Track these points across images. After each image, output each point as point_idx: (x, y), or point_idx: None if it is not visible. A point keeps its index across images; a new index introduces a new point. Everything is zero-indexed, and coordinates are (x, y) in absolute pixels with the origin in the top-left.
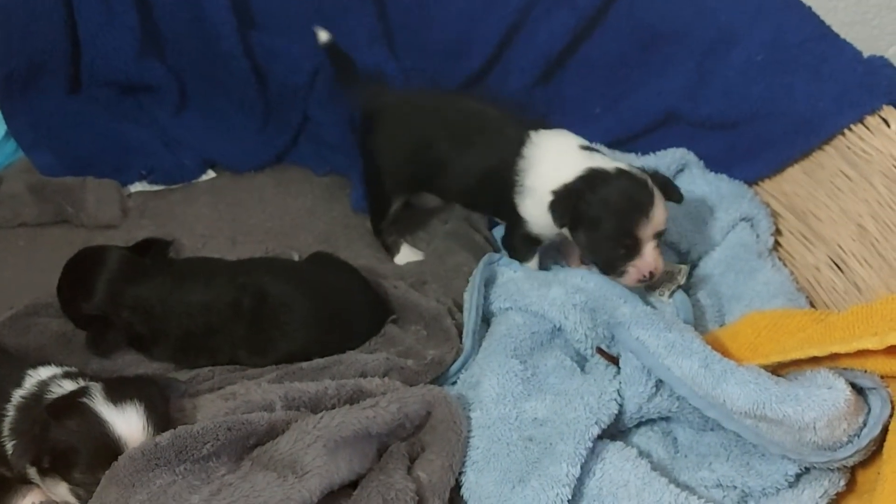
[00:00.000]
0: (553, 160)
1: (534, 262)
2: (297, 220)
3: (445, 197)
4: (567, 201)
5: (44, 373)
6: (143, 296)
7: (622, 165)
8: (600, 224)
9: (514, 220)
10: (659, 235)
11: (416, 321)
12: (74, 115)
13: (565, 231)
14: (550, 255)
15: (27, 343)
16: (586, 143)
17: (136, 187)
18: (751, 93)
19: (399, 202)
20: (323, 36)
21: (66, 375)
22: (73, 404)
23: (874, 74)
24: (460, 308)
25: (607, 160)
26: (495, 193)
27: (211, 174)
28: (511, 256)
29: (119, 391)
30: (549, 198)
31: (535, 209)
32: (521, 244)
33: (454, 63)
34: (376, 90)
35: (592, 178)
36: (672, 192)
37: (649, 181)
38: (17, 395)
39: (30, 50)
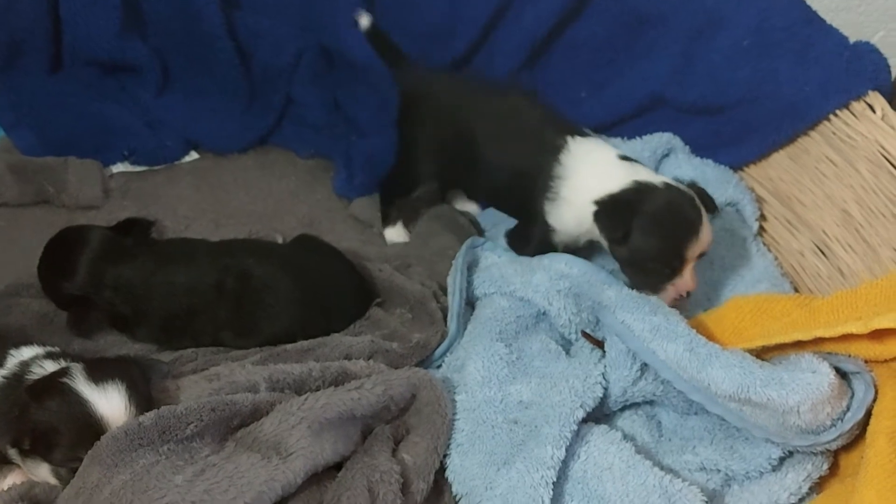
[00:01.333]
0: (594, 170)
1: None
2: (281, 203)
3: (471, 192)
4: (620, 213)
5: (26, 353)
6: (126, 276)
7: (668, 180)
8: (649, 242)
9: (538, 225)
10: (702, 255)
11: (400, 304)
12: (56, 95)
13: (601, 242)
14: None
15: (8, 323)
16: (624, 153)
17: (119, 168)
18: (737, 78)
19: (423, 188)
20: (364, 21)
21: (49, 356)
22: (54, 385)
23: (860, 60)
24: (445, 291)
25: (651, 173)
26: (525, 196)
27: (194, 155)
28: (517, 253)
29: (100, 371)
30: (592, 208)
31: (569, 218)
32: (535, 249)
33: (439, 45)
34: (422, 73)
35: (643, 192)
36: (709, 204)
37: (696, 198)
38: None
39: (10, 29)
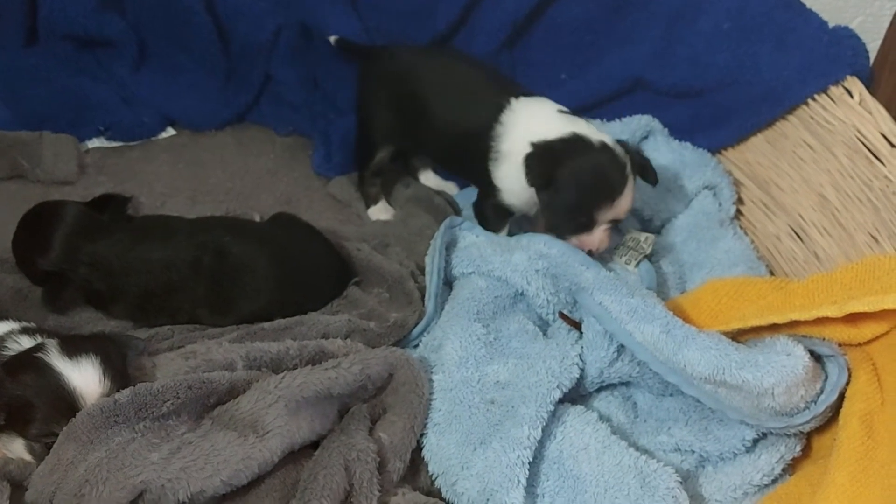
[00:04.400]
0: (531, 124)
1: (503, 234)
2: (258, 181)
3: (424, 152)
4: (546, 160)
5: (1, 328)
6: (101, 252)
7: (606, 139)
8: (565, 194)
9: (487, 189)
10: (616, 222)
11: (378, 284)
12: (31, 69)
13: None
14: (522, 226)
15: None
16: (566, 109)
17: (94, 143)
18: (716, 61)
19: (384, 152)
20: (332, 38)
21: (24, 331)
22: (29, 360)
23: (839, 45)
24: (423, 271)
25: (594, 130)
26: (471, 157)
27: (171, 132)
28: (481, 225)
29: (75, 346)
30: (528, 151)
31: (510, 176)
32: (492, 214)
33: (419, 24)
34: (379, 51)
35: (574, 144)
36: (649, 174)
37: (628, 166)
38: None
39: None
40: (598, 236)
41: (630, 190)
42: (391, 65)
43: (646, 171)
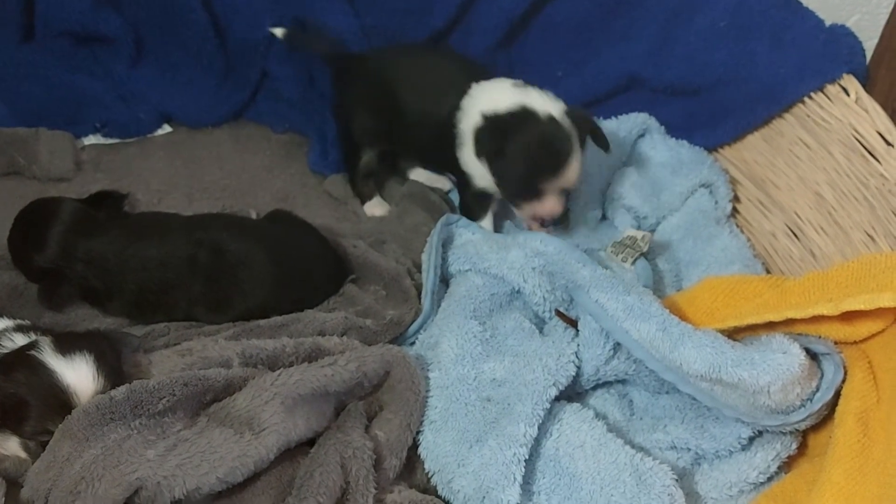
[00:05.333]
0: (484, 101)
1: (487, 221)
2: (255, 178)
3: (405, 152)
4: (492, 132)
5: None
6: (97, 249)
7: (554, 110)
8: (513, 165)
9: (462, 177)
10: (567, 191)
11: (375, 281)
12: (28, 65)
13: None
14: (511, 217)
15: None
16: (522, 83)
17: (90, 140)
18: (713, 59)
19: (368, 155)
20: (278, 32)
21: (18, 329)
22: (22, 358)
23: (835, 43)
24: (419, 268)
25: (543, 101)
26: (442, 148)
27: (167, 129)
28: (465, 216)
29: (69, 344)
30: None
31: (472, 157)
32: (472, 201)
33: (416, 21)
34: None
35: (521, 116)
36: (600, 140)
37: (574, 136)
38: None
39: None
40: (548, 204)
41: (576, 159)
42: (363, 68)
43: (597, 138)
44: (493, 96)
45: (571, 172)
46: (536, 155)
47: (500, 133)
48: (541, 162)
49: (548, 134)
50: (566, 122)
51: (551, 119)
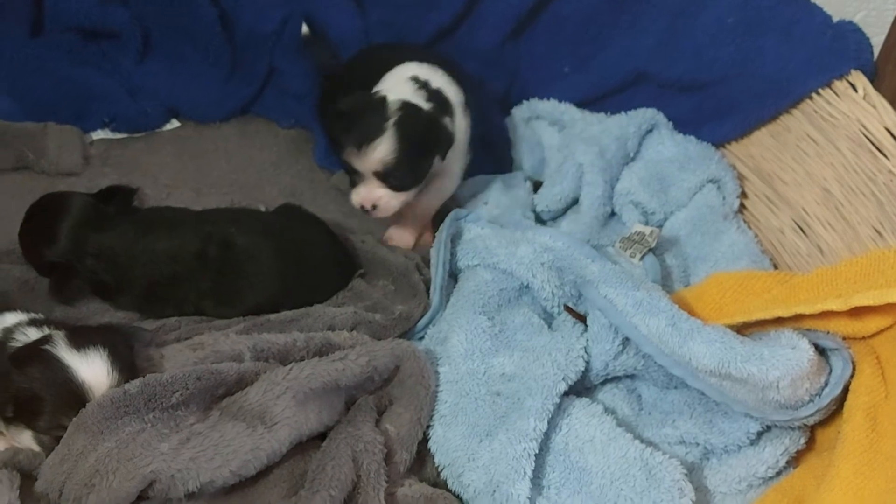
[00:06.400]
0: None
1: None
2: (263, 173)
3: None
4: (334, 114)
5: (9, 319)
6: (108, 244)
7: (393, 96)
8: (339, 142)
9: None
10: (381, 176)
11: (383, 276)
12: (36, 60)
13: None
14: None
15: None
16: (426, 73)
17: (99, 135)
18: (720, 55)
19: None
20: (304, 30)
21: (32, 323)
22: (36, 352)
23: (843, 39)
24: (428, 263)
25: (406, 90)
26: None
27: (175, 123)
28: None
29: (83, 338)
30: None
31: None
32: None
33: (423, 15)
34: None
35: (363, 97)
36: (439, 146)
37: (391, 121)
38: None
39: None
40: (362, 190)
41: (385, 145)
42: (338, 69)
43: (438, 142)
44: (389, 80)
45: (375, 153)
46: (343, 128)
47: (338, 114)
48: (347, 135)
49: (363, 110)
50: (392, 107)
51: (381, 99)
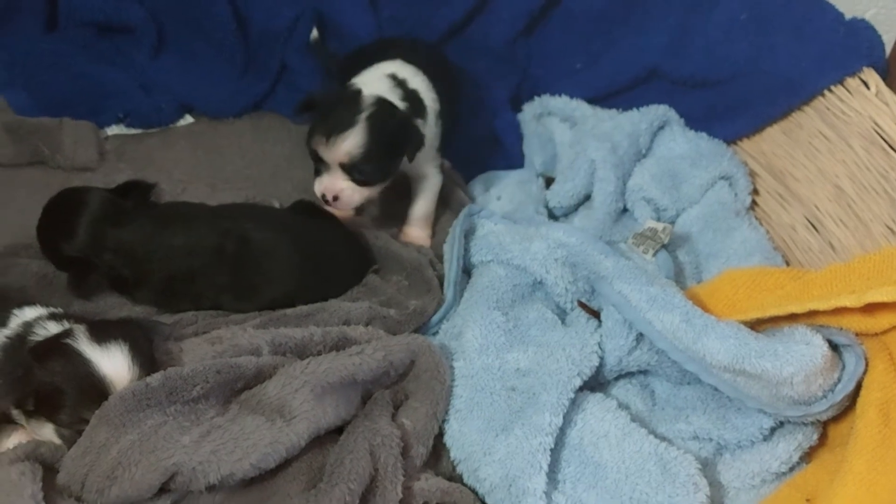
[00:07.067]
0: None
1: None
2: (277, 168)
3: None
4: (306, 101)
5: (29, 313)
6: (126, 238)
7: (368, 92)
8: (309, 131)
9: None
10: (347, 168)
11: (397, 271)
12: (51, 55)
13: None
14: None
15: (7, 283)
16: (405, 72)
17: (113, 130)
18: (733, 52)
19: None
20: (313, 34)
21: (52, 317)
22: (57, 346)
23: (855, 36)
24: (441, 259)
25: (382, 86)
26: None
27: (188, 119)
28: None
29: (103, 332)
30: None
31: None
32: None
33: (434, 12)
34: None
35: (333, 92)
36: (408, 148)
37: (362, 115)
38: (2, 334)
39: None
40: (325, 179)
41: (353, 136)
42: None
43: (408, 142)
44: (367, 75)
45: (344, 145)
46: (319, 120)
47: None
48: (319, 126)
49: (334, 104)
50: (366, 102)
51: (356, 94)
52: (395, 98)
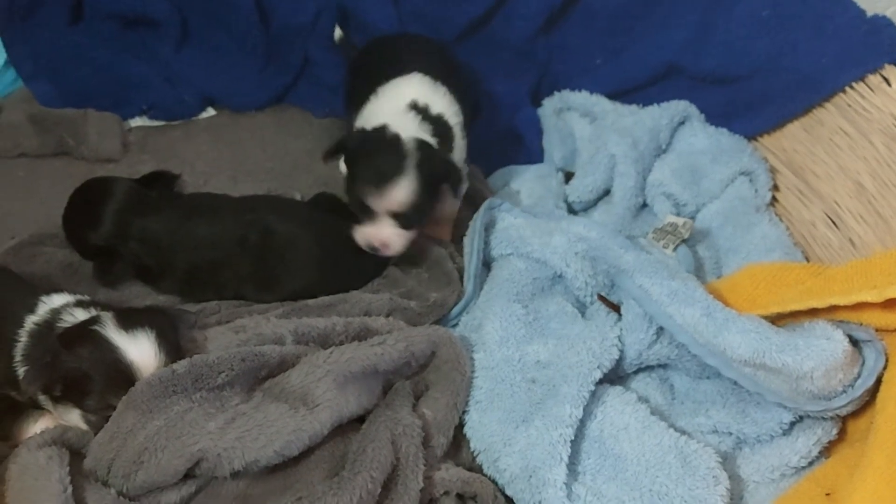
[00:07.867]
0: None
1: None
2: (298, 162)
3: None
4: (337, 147)
5: (57, 300)
6: (151, 228)
7: (404, 134)
8: (349, 177)
9: None
10: (399, 217)
11: (417, 264)
12: (75, 47)
13: None
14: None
15: (33, 272)
16: (425, 93)
17: (136, 122)
18: (754, 48)
19: None
20: (336, 34)
21: (79, 304)
22: (85, 332)
23: (877, 33)
24: (461, 252)
25: (414, 125)
26: None
27: (211, 111)
28: None
29: (130, 320)
30: None
31: None
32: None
33: (455, 8)
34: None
35: (368, 136)
36: (452, 182)
37: (409, 160)
38: (31, 321)
39: None
40: (378, 229)
41: (405, 185)
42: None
43: (453, 183)
44: (387, 102)
45: (397, 194)
46: (365, 168)
47: (338, 148)
48: (365, 175)
49: (384, 150)
50: (409, 147)
51: (395, 138)
52: (426, 134)
